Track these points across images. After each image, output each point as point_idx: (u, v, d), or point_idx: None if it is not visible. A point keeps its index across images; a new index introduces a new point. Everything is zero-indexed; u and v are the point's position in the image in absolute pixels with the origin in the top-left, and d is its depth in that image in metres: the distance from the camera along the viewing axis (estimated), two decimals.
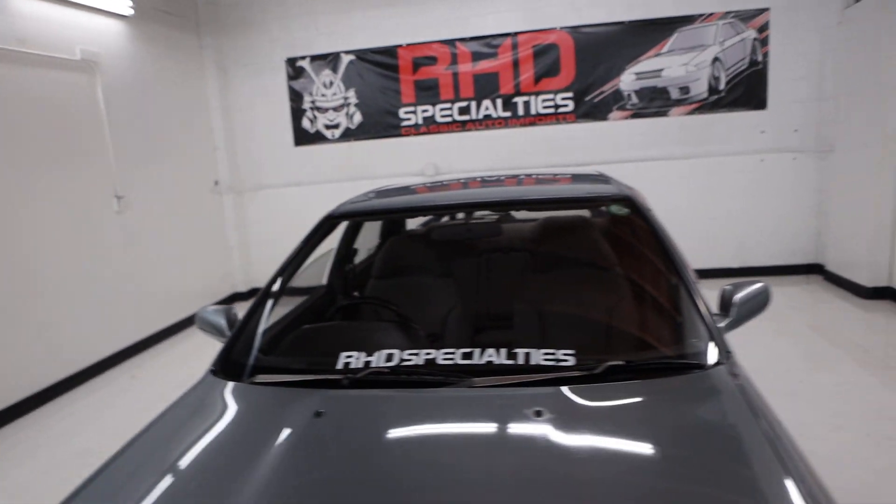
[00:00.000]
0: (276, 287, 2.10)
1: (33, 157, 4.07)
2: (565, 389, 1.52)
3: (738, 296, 1.90)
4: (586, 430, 1.38)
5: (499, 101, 6.00)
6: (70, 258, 4.32)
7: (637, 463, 1.31)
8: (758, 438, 1.32)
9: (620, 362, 1.63)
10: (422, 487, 1.26)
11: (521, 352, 1.67)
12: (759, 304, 1.93)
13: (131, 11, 5.01)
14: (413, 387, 1.61)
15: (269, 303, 2.08)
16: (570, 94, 5.86)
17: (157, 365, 4.67)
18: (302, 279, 2.39)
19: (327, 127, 6.40)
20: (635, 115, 5.81)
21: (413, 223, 3.14)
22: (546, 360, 1.64)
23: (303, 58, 6.25)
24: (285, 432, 1.47)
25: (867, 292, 4.96)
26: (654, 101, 5.75)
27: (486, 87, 5.99)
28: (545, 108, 5.94)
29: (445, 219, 3.05)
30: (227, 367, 1.84)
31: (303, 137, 6.45)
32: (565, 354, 1.65)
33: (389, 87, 6.16)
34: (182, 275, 5.63)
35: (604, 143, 5.87)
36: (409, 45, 6.04)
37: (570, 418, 1.41)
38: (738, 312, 1.88)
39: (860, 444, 2.80)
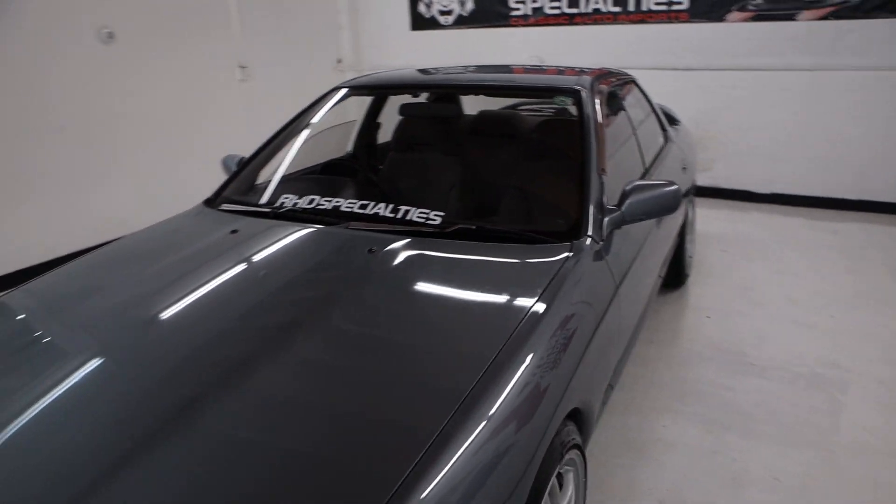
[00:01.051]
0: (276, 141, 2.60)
1: (166, 29, 4.84)
2: (413, 239, 1.85)
3: (633, 193, 2.00)
4: (392, 268, 1.72)
5: None
6: (196, 122, 5.15)
7: (396, 304, 1.62)
8: (513, 315, 1.50)
9: (472, 226, 1.89)
10: (247, 282, 1.75)
11: (404, 208, 2.01)
12: (657, 205, 2.01)
13: None
14: (312, 223, 2.02)
15: (265, 151, 2.58)
16: None
17: None
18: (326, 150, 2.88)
19: (441, 13, 6.58)
20: (757, 18, 5.27)
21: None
22: (418, 217, 1.97)
23: None
24: (204, 240, 1.99)
25: None
26: (782, 3, 5.16)
27: None
28: (657, 3, 5.58)
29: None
30: (211, 198, 2.39)
31: (419, 22, 6.72)
32: (436, 215, 1.96)
33: None
34: None
35: (717, 46, 5.44)
36: None
37: (389, 256, 1.76)
38: (630, 207, 1.99)
39: None
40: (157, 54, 4.79)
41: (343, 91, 2.79)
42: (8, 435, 1.20)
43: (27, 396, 1.31)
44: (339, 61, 6.96)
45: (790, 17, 5.17)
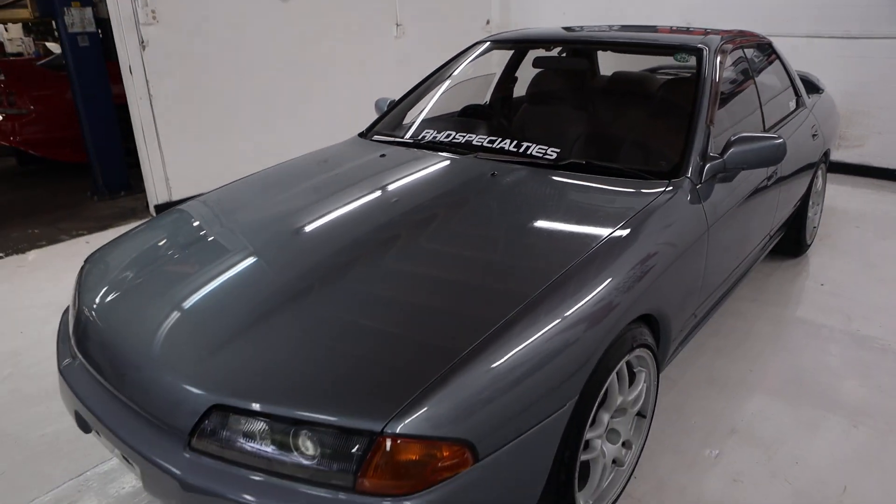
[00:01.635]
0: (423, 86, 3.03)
1: None
2: (531, 169, 2.19)
3: (736, 144, 2.18)
4: (507, 187, 2.09)
5: None
6: (356, 74, 5.73)
7: (504, 215, 1.97)
8: (599, 233, 1.77)
9: (582, 161, 2.20)
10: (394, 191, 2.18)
11: (525, 144, 2.35)
12: (759, 156, 2.17)
13: None
14: (447, 153, 2.43)
15: (412, 95, 3.02)
16: None
17: None
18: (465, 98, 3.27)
19: None
20: None
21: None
22: (537, 152, 2.30)
23: None
24: (357, 161, 2.47)
25: None
26: None
27: None
28: None
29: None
30: (364, 132, 2.88)
31: None
32: (552, 151, 2.28)
33: None
34: None
35: (886, 12, 5.07)
36: None
37: (507, 179, 2.12)
38: (732, 157, 2.18)
39: None
40: (327, 10, 5.40)
41: (486, 45, 3.14)
42: (198, 288, 1.73)
43: (204, 270, 1.81)
44: (488, 22, 7.27)
45: None
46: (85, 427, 1.66)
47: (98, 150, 5.09)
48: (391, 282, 1.70)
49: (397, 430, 1.22)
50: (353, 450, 1.24)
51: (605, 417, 1.70)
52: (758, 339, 2.86)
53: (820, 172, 3.65)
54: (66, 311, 2.08)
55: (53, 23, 15.47)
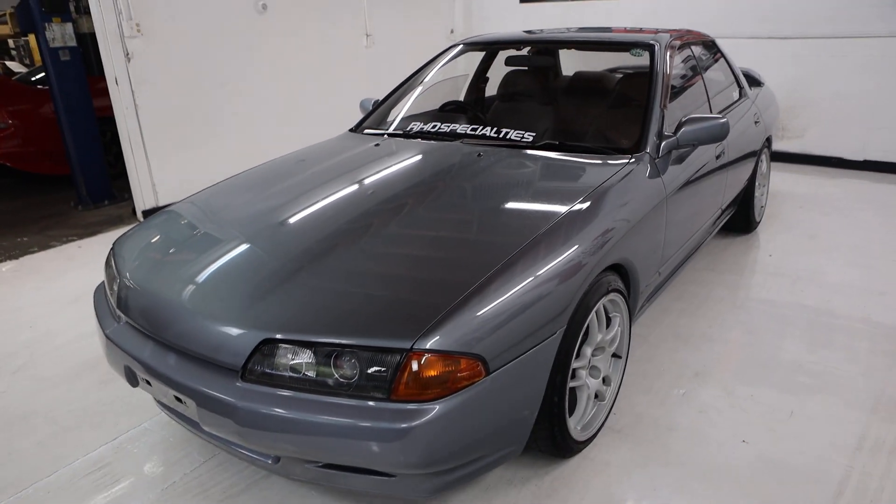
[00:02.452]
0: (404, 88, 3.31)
1: (308, 1, 5.69)
2: (511, 150, 2.49)
3: (687, 124, 2.51)
4: (492, 164, 2.39)
5: None
6: (329, 81, 5.99)
7: (489, 188, 2.26)
8: (574, 196, 2.08)
9: (555, 142, 2.50)
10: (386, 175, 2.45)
11: (504, 130, 2.64)
12: (707, 133, 2.51)
13: None
14: (435, 140, 2.71)
15: (395, 94, 3.29)
16: None
17: None
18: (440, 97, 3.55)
19: None
20: None
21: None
22: (515, 137, 2.60)
23: None
24: (354, 150, 2.73)
25: None
26: None
27: None
28: None
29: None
30: (355, 127, 3.15)
31: None
32: (528, 135, 2.58)
33: None
34: None
35: (818, 14, 5.56)
36: None
37: (491, 158, 2.42)
38: (684, 135, 2.51)
39: None
40: (301, 22, 5.65)
41: (460, 47, 3.44)
42: (233, 250, 1.97)
43: (235, 238, 2.05)
44: (452, 31, 7.61)
45: None
46: (133, 381, 1.87)
47: (81, 161, 5.22)
48: (404, 238, 1.98)
49: (425, 347, 1.48)
50: (388, 365, 1.49)
51: (587, 351, 1.99)
52: (716, 302, 3.20)
53: (764, 157, 4.05)
54: (98, 290, 2.27)
55: (10, 42, 15.28)
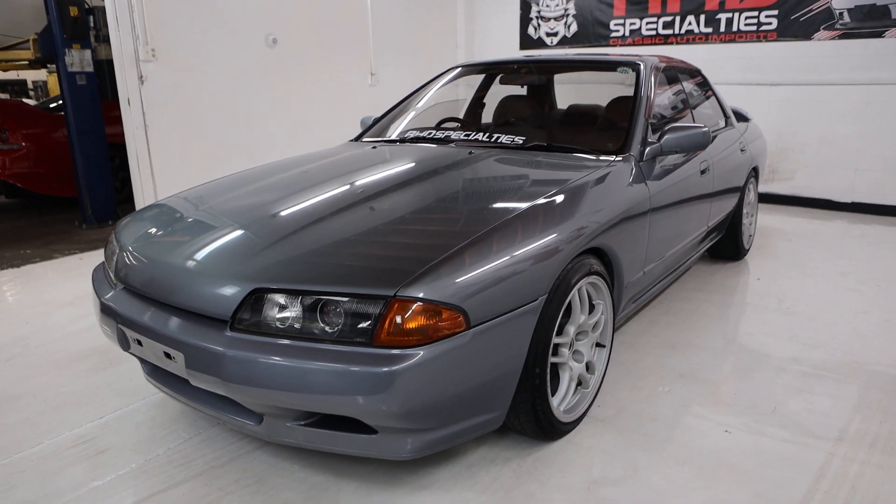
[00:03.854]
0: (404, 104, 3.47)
1: (318, 38, 5.96)
2: (500, 151, 2.61)
3: (670, 132, 2.63)
4: (482, 160, 2.51)
5: (703, 17, 6.30)
6: (332, 115, 6.21)
7: (478, 179, 2.37)
8: (555, 186, 2.17)
9: (544, 143, 2.63)
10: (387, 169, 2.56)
11: (496, 135, 2.77)
12: (689, 141, 2.63)
13: None
14: (430, 143, 2.84)
15: (395, 110, 3.45)
16: (775, 12, 5.90)
17: None
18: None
19: (548, 34, 7.38)
20: (844, 36, 5.63)
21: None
22: (505, 140, 2.72)
23: None
24: (353, 151, 2.85)
25: None
26: (870, 21, 5.50)
27: (693, 1, 6.32)
28: (747, 24, 6.07)
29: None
30: (355, 138, 3.30)
31: (527, 42, 7.55)
32: (519, 139, 2.71)
33: (605, 0, 6.85)
34: None
35: (803, 63, 5.83)
36: None
37: (482, 155, 2.54)
38: (667, 142, 2.63)
39: None
40: (308, 58, 5.91)
41: (458, 70, 3.62)
42: (230, 218, 2.05)
43: (231, 211, 2.15)
44: None
45: (878, 35, 5.50)
46: (125, 344, 1.92)
47: (90, 180, 5.36)
48: (393, 210, 2.07)
49: (407, 294, 1.54)
50: (371, 312, 1.55)
51: (570, 330, 2.04)
52: (703, 316, 3.24)
53: (751, 186, 4.17)
54: (96, 269, 2.34)
55: (28, 83, 15.76)
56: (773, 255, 4.30)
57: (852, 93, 5.63)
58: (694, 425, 2.22)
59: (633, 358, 2.76)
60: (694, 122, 3.32)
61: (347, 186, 2.33)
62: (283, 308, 1.62)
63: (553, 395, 2.01)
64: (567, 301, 1.97)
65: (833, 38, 5.70)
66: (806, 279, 3.79)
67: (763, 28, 6.00)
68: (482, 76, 3.82)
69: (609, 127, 3.05)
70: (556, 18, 7.26)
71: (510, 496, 1.85)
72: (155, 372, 2.03)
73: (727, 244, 3.99)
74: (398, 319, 1.53)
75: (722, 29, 6.22)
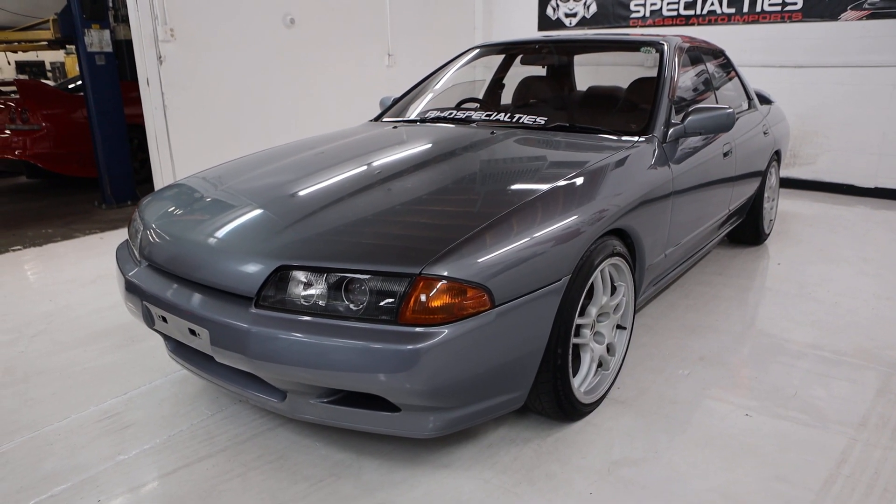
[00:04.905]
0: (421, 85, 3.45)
1: (336, 18, 5.92)
2: (522, 131, 2.59)
3: (694, 113, 2.59)
4: (504, 139, 2.50)
5: None
6: (349, 96, 6.20)
7: (499, 157, 2.37)
8: (575, 167, 2.16)
9: (566, 124, 2.60)
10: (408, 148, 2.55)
11: (518, 115, 2.74)
12: (713, 123, 2.59)
13: None
14: (452, 124, 2.83)
15: (415, 90, 3.43)
16: None
17: None
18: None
19: (566, 15, 7.28)
20: (872, 16, 5.50)
21: None
22: (527, 121, 2.69)
23: None
24: (375, 131, 2.84)
25: None
26: None
27: None
28: (772, 4, 5.94)
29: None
30: (375, 118, 3.29)
31: (545, 23, 7.46)
32: (541, 119, 2.68)
33: None
34: None
35: (828, 44, 5.71)
36: None
37: (504, 135, 2.52)
38: (690, 123, 2.59)
39: None
40: (326, 39, 5.88)
41: (477, 50, 3.58)
42: (256, 195, 2.06)
43: (257, 189, 2.16)
44: None
45: None
46: (150, 321, 1.94)
47: (109, 161, 5.40)
48: (416, 189, 2.07)
49: (432, 272, 1.54)
50: (396, 290, 1.55)
51: (592, 311, 2.03)
52: (723, 300, 3.22)
53: (773, 170, 4.11)
54: (120, 246, 2.36)
55: (46, 63, 15.87)
56: (793, 241, 4.25)
57: (879, 75, 5.51)
58: (714, 408, 2.22)
59: (654, 341, 2.75)
60: (717, 103, 3.27)
61: (371, 165, 2.33)
62: (307, 285, 1.63)
63: (574, 377, 2.01)
64: (590, 282, 1.96)
65: (861, 19, 5.56)
66: (827, 264, 3.74)
67: (788, 8, 5.87)
68: (501, 57, 3.77)
69: (631, 108, 3.02)
70: None
71: (530, 476, 1.86)
72: (178, 349, 2.05)
73: (747, 228, 3.94)
74: (423, 298, 1.54)
75: (745, 9, 6.09)
